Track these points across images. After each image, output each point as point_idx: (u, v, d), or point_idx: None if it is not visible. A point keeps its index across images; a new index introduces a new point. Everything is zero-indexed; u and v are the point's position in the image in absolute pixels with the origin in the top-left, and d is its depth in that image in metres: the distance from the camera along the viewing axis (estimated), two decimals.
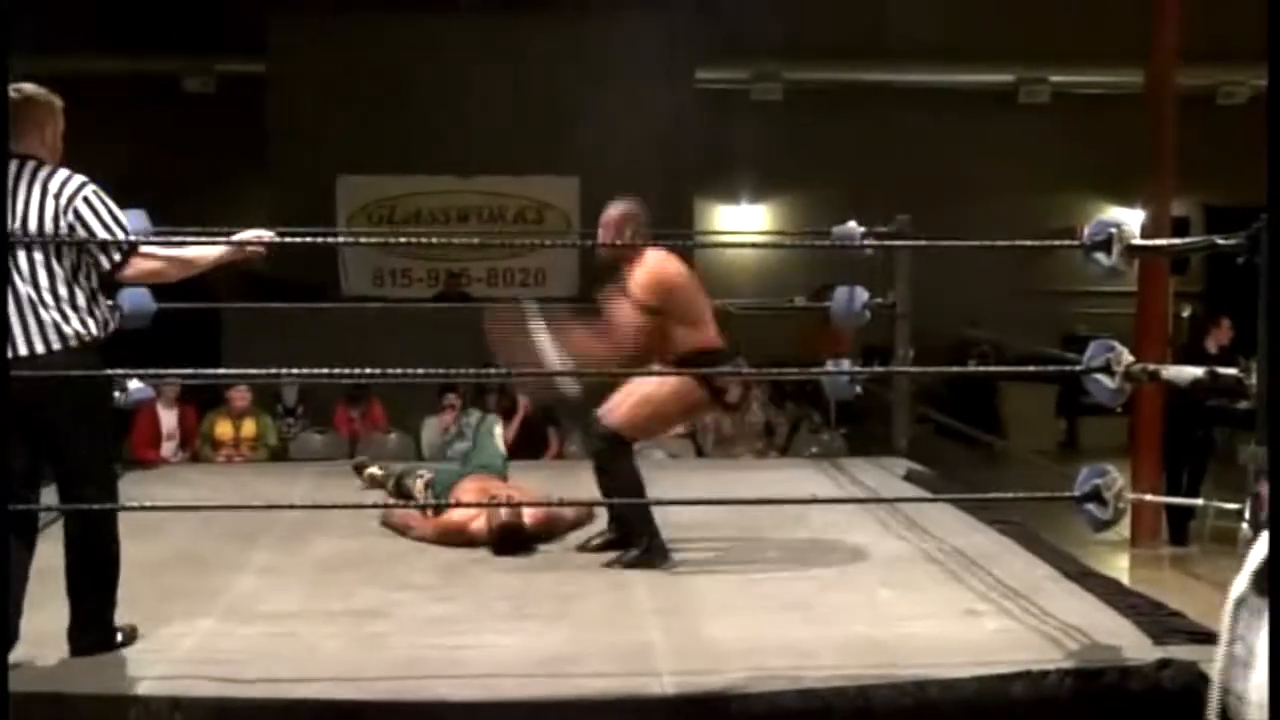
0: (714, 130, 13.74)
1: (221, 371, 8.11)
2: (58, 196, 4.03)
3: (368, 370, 5.14)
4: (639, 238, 5.44)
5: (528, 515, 5.58)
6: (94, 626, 4.13)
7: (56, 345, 4.01)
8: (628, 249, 5.40)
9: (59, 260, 4.03)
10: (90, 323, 4.07)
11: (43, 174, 4.06)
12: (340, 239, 12.84)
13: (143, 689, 3.80)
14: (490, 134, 12.67)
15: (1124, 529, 8.84)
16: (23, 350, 3.99)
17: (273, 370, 5.66)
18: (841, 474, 7.25)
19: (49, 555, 4.19)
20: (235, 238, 4.39)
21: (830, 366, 6.91)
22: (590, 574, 5.17)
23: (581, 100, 12.54)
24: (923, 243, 7.46)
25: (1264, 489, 3.62)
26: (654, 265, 5.41)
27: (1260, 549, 3.21)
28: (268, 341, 9.82)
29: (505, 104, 12.64)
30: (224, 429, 9.55)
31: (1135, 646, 4.15)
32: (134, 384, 6.44)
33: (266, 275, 12.43)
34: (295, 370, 6.29)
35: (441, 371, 6.89)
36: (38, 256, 4.01)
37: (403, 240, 13.59)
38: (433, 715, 3.75)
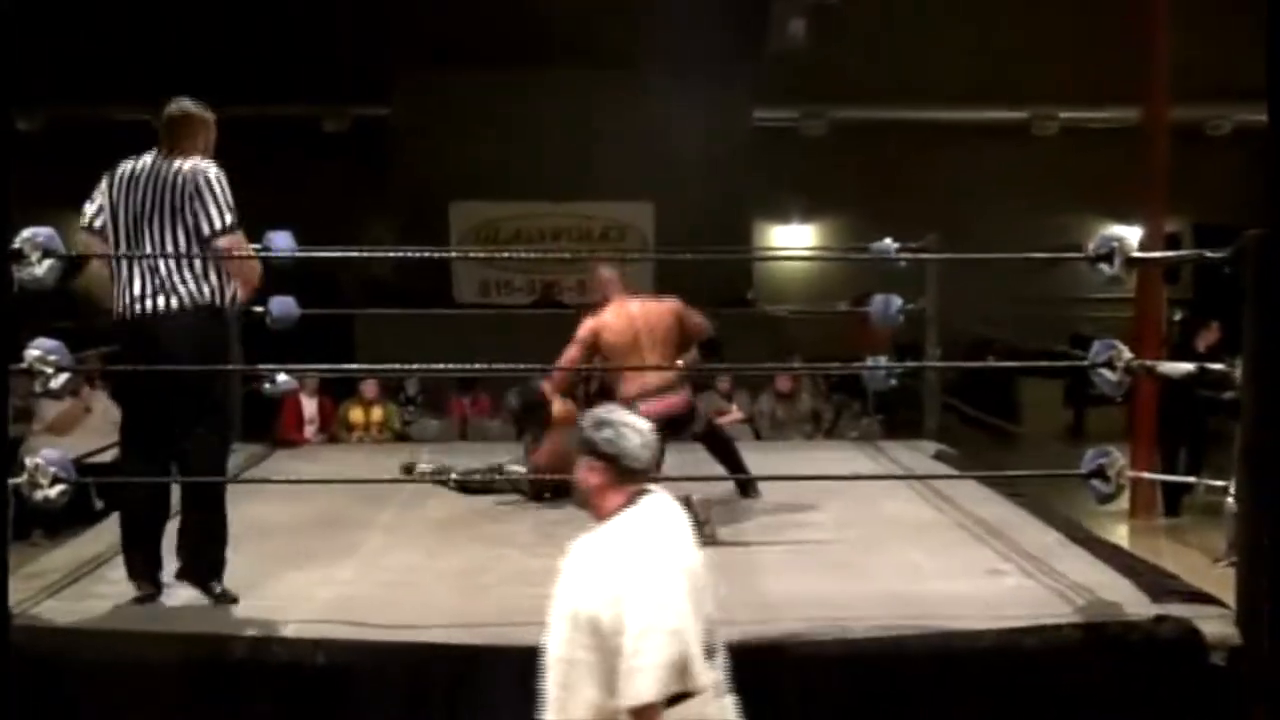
0: (769, 161, 13.67)
1: (354, 367, 8.17)
2: (187, 174, 4.04)
3: (476, 366, 5.16)
4: None
5: None
6: (200, 570, 4.08)
7: (174, 305, 3.99)
8: None
9: (178, 228, 4.01)
10: (205, 288, 4.03)
11: (181, 160, 4.07)
12: (453, 254, 12.95)
13: (289, 631, 3.84)
14: (578, 167, 12.69)
15: (1124, 503, 8.69)
16: (148, 308, 4.00)
17: (397, 365, 5.70)
18: (879, 454, 7.20)
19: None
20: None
21: (869, 362, 6.85)
22: None
23: (656, 137, 12.53)
24: (949, 255, 7.39)
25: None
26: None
27: None
28: (393, 342, 9.91)
29: (591, 141, 12.65)
30: (356, 415, 9.60)
31: (1135, 603, 4.08)
32: (281, 377, 6.48)
33: (392, 284, 12.57)
34: (416, 365, 6.34)
35: (539, 367, 6.87)
36: (166, 225, 4.01)
37: (506, 256, 13.65)
38: (532, 657, 3.76)
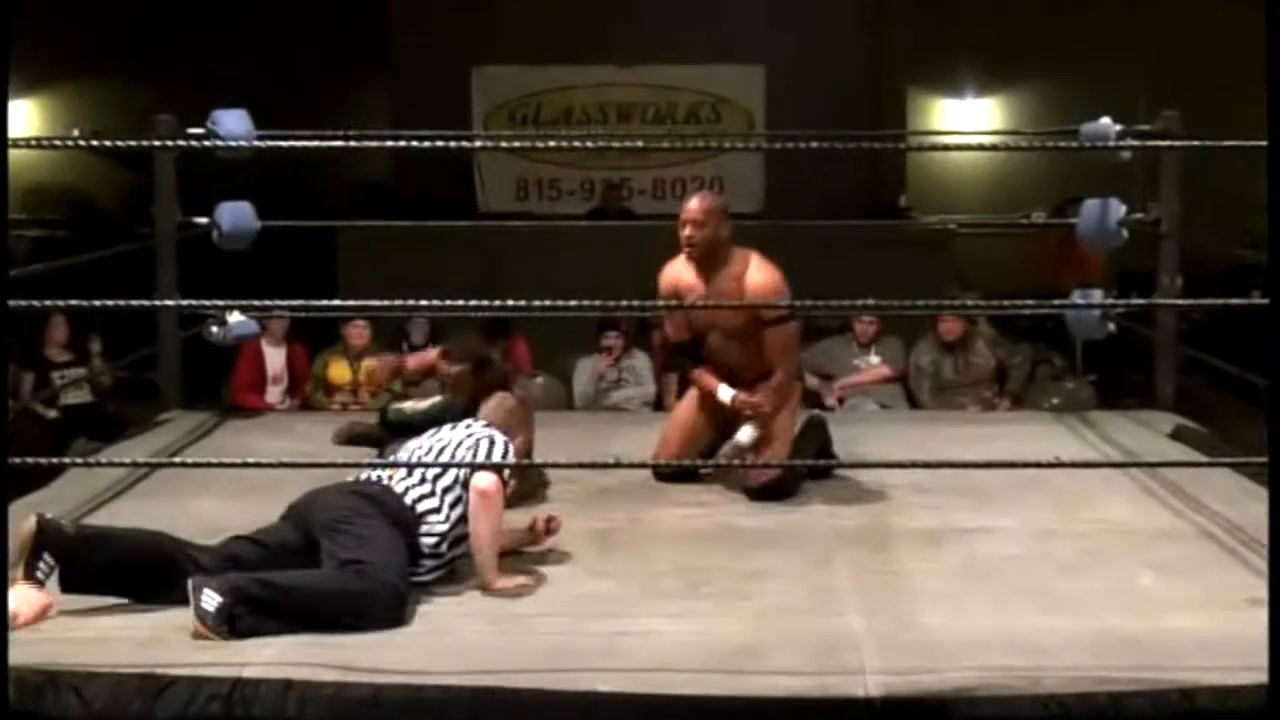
0: (931, 7, 13.56)
1: (337, 304, 8.22)
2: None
3: (509, 303, 5.17)
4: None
5: None
6: None
7: None
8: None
9: None
10: None
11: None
12: (477, 143, 12.97)
13: (251, 672, 3.90)
14: (657, 15, 12.66)
15: None
16: None
17: (396, 301, 5.73)
18: (1091, 430, 7.18)
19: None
20: None
21: (1077, 298, 6.80)
22: (778, 547, 5.18)
23: None
24: (1195, 143, 7.28)
25: None
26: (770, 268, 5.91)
27: None
28: (392, 268, 9.99)
29: None
30: (339, 371, 9.67)
31: None
32: (234, 316, 6.56)
33: (390, 186, 12.64)
34: (424, 301, 6.38)
35: (598, 304, 6.90)
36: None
37: (550, 144, 13.68)
38: (585, 714, 3.79)
